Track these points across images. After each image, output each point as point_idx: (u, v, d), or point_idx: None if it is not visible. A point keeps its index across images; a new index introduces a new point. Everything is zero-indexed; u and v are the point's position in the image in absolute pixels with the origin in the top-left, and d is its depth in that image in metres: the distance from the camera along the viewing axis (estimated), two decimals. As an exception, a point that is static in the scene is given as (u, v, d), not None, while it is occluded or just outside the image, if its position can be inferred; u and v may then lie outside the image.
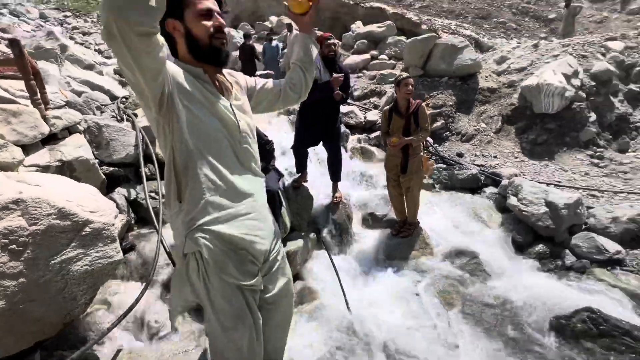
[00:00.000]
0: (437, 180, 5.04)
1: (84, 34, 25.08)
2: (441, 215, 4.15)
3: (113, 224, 1.66)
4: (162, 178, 3.54)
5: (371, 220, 3.94)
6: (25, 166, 2.39)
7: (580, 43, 7.26)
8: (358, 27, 10.12)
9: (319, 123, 3.26)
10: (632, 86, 6.56)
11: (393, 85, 7.62)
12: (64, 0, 37.67)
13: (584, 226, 3.40)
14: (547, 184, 4.41)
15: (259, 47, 9.62)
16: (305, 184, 3.57)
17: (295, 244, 2.99)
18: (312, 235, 3.29)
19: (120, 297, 2.28)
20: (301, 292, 2.83)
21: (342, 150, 5.55)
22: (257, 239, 1.18)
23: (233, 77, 1.30)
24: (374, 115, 6.80)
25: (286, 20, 12.16)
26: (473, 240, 3.59)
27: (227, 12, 9.08)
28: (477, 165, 5.22)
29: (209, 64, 1.14)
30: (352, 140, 6.06)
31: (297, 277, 3.01)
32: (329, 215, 3.53)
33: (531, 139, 5.84)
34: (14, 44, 2.47)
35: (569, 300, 2.57)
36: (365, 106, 7.45)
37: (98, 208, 1.63)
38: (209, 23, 1.08)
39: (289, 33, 9.47)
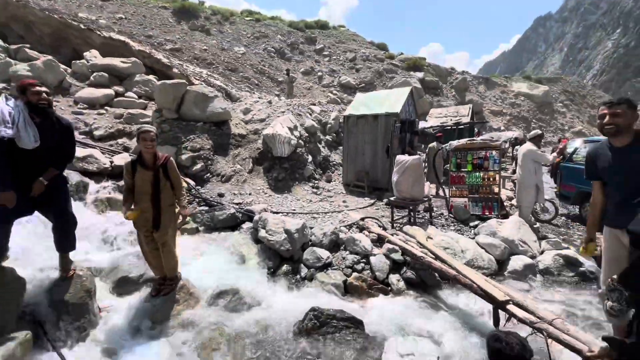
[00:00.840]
0: (201, 223, 5.15)
1: None
2: (207, 258, 4.24)
3: None
4: None
5: (125, 285, 3.40)
6: None
7: (297, 104, 9.98)
8: (95, 56, 8.73)
9: (29, 185, 2.49)
10: (328, 137, 9.72)
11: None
12: None
13: (310, 243, 4.59)
14: (287, 214, 5.62)
15: None
16: (5, 263, 2.57)
17: (-8, 359, 2.06)
18: (24, 335, 2.38)
19: None
20: None
21: (80, 206, 4.49)
22: None
23: None
24: (122, 160, 6.01)
25: None
26: (236, 276, 3.92)
27: None
28: (236, 204, 5.82)
29: None
30: (95, 191, 5.04)
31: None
32: (54, 297, 2.71)
33: (274, 177, 7.25)
34: None
35: (305, 306, 3.36)
36: (112, 148, 6.46)
37: None
38: None
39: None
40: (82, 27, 9.25)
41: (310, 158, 8.17)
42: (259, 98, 10.73)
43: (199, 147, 7.12)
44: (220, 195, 6.25)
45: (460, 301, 3.66)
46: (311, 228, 4.83)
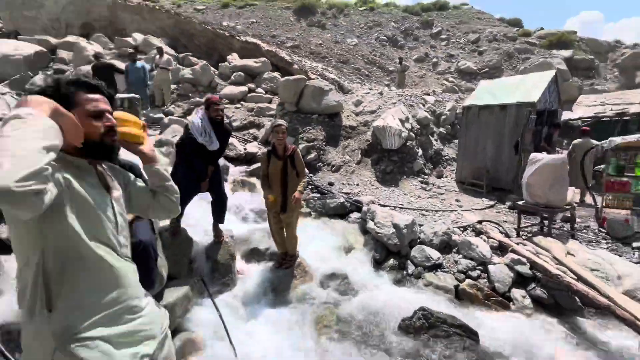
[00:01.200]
0: (313, 208, 5.62)
1: None
2: (318, 241, 4.63)
3: None
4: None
5: (254, 255, 4.05)
6: None
7: (409, 95, 9.59)
8: (234, 58, 10.34)
9: (197, 177, 3.34)
10: (442, 129, 9.06)
11: (272, 120, 8.07)
12: None
13: (418, 240, 4.46)
14: (393, 208, 5.57)
15: (120, 65, 8.53)
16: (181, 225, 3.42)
17: (174, 294, 2.81)
18: (193, 280, 3.14)
19: None
20: (183, 345, 2.67)
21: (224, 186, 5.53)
22: (141, 347, 1.16)
23: (110, 167, 1.27)
24: (253, 147, 7.03)
25: (155, 40, 11.30)
26: (344, 262, 4.17)
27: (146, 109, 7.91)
28: (344, 194, 6.10)
29: (97, 159, 1.12)
30: (233, 173, 6.08)
31: (177, 329, 2.81)
32: (210, 256, 3.45)
33: (382, 169, 7.24)
34: None
35: (412, 303, 3.33)
36: (245, 137, 7.62)
37: None
38: (99, 124, 1.08)
39: (158, 56, 8.82)
40: (227, 34, 11.07)
41: (420, 151, 7.81)
42: (370, 89, 10.75)
43: (313, 138, 7.68)
44: (330, 184, 6.64)
45: (610, 338, 2.98)
46: (420, 225, 4.68)
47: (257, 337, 2.95)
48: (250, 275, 3.78)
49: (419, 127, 8.26)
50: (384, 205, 5.46)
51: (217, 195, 3.55)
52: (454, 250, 4.21)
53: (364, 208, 5.00)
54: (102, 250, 1.11)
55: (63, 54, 10.78)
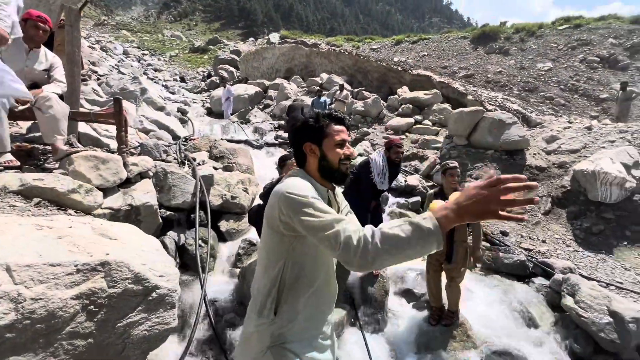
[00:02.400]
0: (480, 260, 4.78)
1: (156, 70, 28.55)
2: (484, 302, 3.86)
3: (176, 290, 1.74)
4: (214, 226, 3.73)
5: (408, 297, 3.76)
6: (102, 208, 2.64)
7: (638, 131, 6.99)
8: (404, 91, 10.58)
9: (366, 209, 3.47)
10: (703, 183, 6.06)
11: (437, 154, 7.66)
12: (145, 41, 43.67)
13: (656, 347, 2.98)
14: (607, 284, 4.02)
15: (307, 101, 10.30)
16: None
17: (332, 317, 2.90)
18: (347, 308, 3.18)
19: (156, 352, 2.29)
20: (331, 371, 2.68)
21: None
22: None
23: (337, 193, 1.41)
24: (414, 180, 6.80)
25: (336, 78, 13.07)
26: (520, 340, 3.27)
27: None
28: (524, 249, 4.92)
29: (332, 182, 1.28)
30: (391, 204, 6.03)
31: (327, 353, 2.87)
32: (365, 288, 3.42)
33: (585, 227, 5.46)
34: (117, 101, 2.87)
35: None
36: (406, 169, 7.50)
37: (165, 272, 1.73)
38: (341, 151, 1.24)
39: (339, 91, 10.11)
40: (399, 69, 11.53)
41: (658, 212, 5.44)
42: (570, 123, 8.58)
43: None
44: (504, 233, 5.53)
45: None
46: (662, 325, 3.13)
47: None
48: (401, 319, 3.51)
49: (657, 176, 5.82)
50: (590, 278, 4.02)
51: (374, 221, 3.55)
52: None
53: (557, 276, 3.84)
54: (325, 273, 1.22)
55: (271, 92, 14.07)
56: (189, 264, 3.32)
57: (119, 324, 1.53)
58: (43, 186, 2.25)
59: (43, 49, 2.83)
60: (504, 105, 9.92)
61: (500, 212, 0.87)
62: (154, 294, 1.63)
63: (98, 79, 9.25)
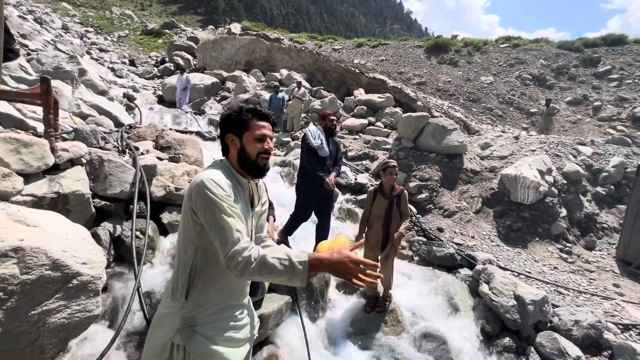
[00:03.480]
0: (416, 252, 5.20)
1: (101, 50, 26.15)
2: (416, 290, 4.23)
3: (100, 278, 1.70)
4: (156, 218, 3.60)
5: (347, 288, 3.98)
6: (22, 195, 2.44)
7: (555, 142, 8.05)
8: (360, 93, 10.97)
9: (319, 197, 3.62)
10: (599, 189, 7.19)
11: (386, 154, 8.06)
12: (89, 17, 39.68)
13: (549, 324, 3.53)
14: (518, 274, 4.62)
15: (265, 96, 10.23)
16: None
17: (270, 307, 3.00)
18: (287, 298, 3.29)
19: (84, 342, 2.21)
20: (268, 358, 2.78)
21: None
22: (240, 350, 1.31)
23: (257, 185, 1.48)
24: (364, 178, 7.13)
25: (296, 75, 13.11)
26: (444, 323, 3.65)
27: (278, 132, 9.77)
28: (455, 244, 5.44)
29: (250, 174, 1.34)
30: (340, 200, 6.27)
31: (266, 341, 2.97)
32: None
33: (507, 225, 6.18)
34: (43, 80, 2.67)
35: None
36: (357, 167, 7.83)
37: (89, 260, 1.69)
38: (260, 145, 1.31)
39: (297, 88, 10.17)
40: (357, 71, 11.92)
41: (564, 212, 6.35)
42: (502, 132, 9.58)
43: (427, 177, 7.26)
44: (440, 229, 6.06)
45: None
46: (555, 307, 3.71)
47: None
48: (339, 308, 3.72)
49: (565, 182, 6.78)
50: (504, 269, 4.60)
51: (324, 219, 3.72)
52: (606, 354, 3.13)
53: (479, 266, 4.33)
54: None
55: (229, 84, 13.69)
56: (126, 256, 3.19)
57: (32, 312, 1.48)
58: (-51, 168, 2.04)
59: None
60: (449, 112, 10.75)
61: (353, 280, 1.11)
62: (74, 281, 1.59)
63: (28, 54, 8.30)
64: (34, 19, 23.61)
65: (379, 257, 3.51)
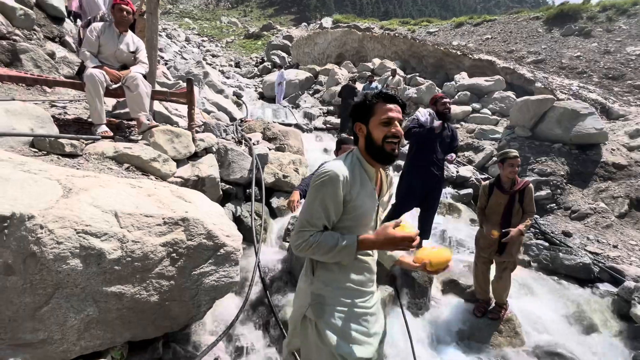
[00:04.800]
0: (535, 258, 4.48)
1: (214, 56, 30.14)
2: (538, 302, 3.66)
3: (239, 250, 1.95)
4: (266, 202, 3.99)
5: (453, 289, 3.69)
6: (175, 177, 2.98)
7: None
8: (463, 77, 9.94)
9: (425, 187, 3.38)
10: None
11: (494, 145, 7.17)
12: (204, 28, 46.12)
13: None
14: (692, 300, 3.54)
15: (359, 86, 10.19)
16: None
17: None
18: (389, 289, 3.24)
19: (217, 306, 2.59)
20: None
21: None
22: (367, 347, 1.29)
23: (387, 175, 1.46)
24: (467, 171, 6.48)
25: (389, 64, 12.68)
26: (577, 345, 3.06)
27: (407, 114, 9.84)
28: (590, 253, 4.50)
29: (378, 162, 1.32)
30: (443, 195, 5.83)
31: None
32: (409, 273, 3.44)
33: (670, 235, 4.80)
34: (189, 81, 3.18)
35: None
36: (459, 159, 7.16)
37: (231, 233, 1.95)
38: (386, 129, 1.26)
39: (391, 77, 9.84)
40: (458, 53, 10.82)
41: None
42: (663, 116, 7.42)
43: (549, 172, 6.16)
44: (566, 234, 5.09)
45: None
46: None
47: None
48: (444, 308, 3.48)
49: None
50: (669, 290, 3.57)
51: (429, 209, 3.50)
52: None
53: (628, 283, 3.48)
54: None
55: (322, 78, 14.12)
56: (244, 234, 3.61)
57: (194, 272, 1.78)
58: (131, 154, 2.61)
59: (130, 33, 3.20)
60: (580, 94, 8.86)
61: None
62: (222, 251, 1.86)
63: (165, 63, 10.10)
64: (166, 35, 28.67)
65: (496, 265, 3.12)
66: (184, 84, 3.63)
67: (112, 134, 2.89)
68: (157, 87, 6.18)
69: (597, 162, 6.13)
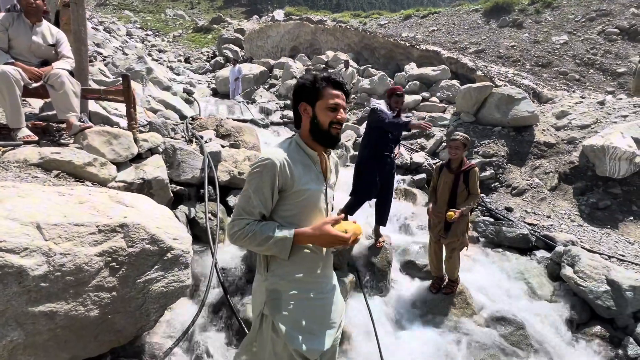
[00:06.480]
0: (482, 234, 4.86)
1: (160, 51, 28.25)
2: (485, 274, 3.98)
3: (189, 252, 1.87)
4: (222, 201, 3.86)
5: (410, 269, 3.88)
6: (116, 182, 2.77)
7: (655, 105, 6.80)
8: (412, 68, 10.36)
9: (382, 176, 3.48)
10: None
11: (444, 131, 7.58)
12: (148, 22, 42.98)
13: (652, 313, 3.07)
14: (609, 257, 4.07)
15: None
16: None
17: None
18: (350, 276, 3.32)
19: (172, 313, 2.48)
20: (335, 334, 2.85)
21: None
22: (321, 339, 1.30)
23: (332, 158, 1.47)
24: (419, 157, 6.80)
25: (342, 56, 12.81)
26: (520, 308, 3.39)
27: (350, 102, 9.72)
28: (528, 224, 4.97)
29: (322, 145, 1.32)
30: (397, 181, 6.07)
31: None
32: (369, 258, 3.55)
33: (591, 203, 5.45)
34: (124, 78, 2.94)
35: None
36: (412, 146, 7.49)
37: (178, 236, 1.86)
38: (332, 114, 1.27)
39: (344, 68, 9.95)
40: (407, 44, 11.24)
41: (667, 187, 5.39)
42: (582, 98, 8.35)
43: (492, 154, 6.68)
44: (508, 209, 5.58)
45: None
46: (660, 293, 3.20)
47: (405, 346, 2.82)
48: (404, 288, 3.65)
49: (668, 151, 5.71)
50: (591, 251, 4.08)
51: (385, 197, 3.60)
52: None
53: (559, 248, 3.91)
54: None
55: (277, 71, 13.90)
56: (200, 235, 3.48)
57: (138, 280, 1.67)
58: (61, 159, 2.37)
59: (46, 24, 2.86)
60: (515, 80, 9.67)
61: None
62: (169, 254, 1.77)
63: (104, 59, 9.28)
64: (104, 29, 26.29)
65: (445, 246, 3.33)
66: (123, 81, 3.35)
67: (36, 138, 2.59)
68: (94, 86, 5.67)
69: (531, 142, 6.76)
